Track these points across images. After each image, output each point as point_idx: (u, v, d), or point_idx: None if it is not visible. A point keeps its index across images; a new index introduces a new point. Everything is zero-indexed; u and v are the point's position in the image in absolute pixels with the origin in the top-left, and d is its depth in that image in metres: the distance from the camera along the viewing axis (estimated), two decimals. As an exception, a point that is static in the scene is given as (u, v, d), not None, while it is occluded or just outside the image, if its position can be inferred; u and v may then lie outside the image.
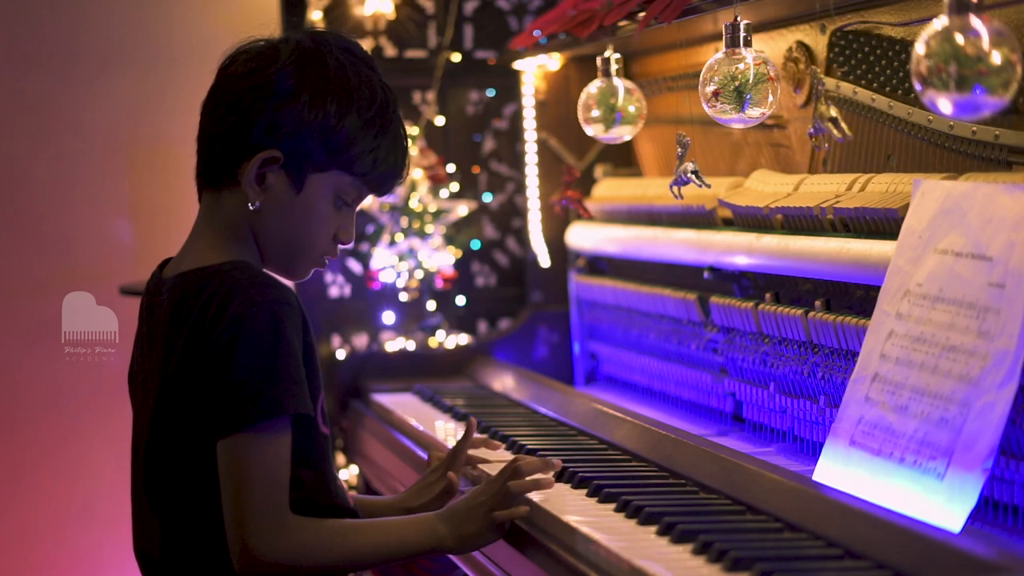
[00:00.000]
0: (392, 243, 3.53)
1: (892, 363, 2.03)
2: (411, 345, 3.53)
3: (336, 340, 3.57)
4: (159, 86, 3.90)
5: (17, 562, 3.88)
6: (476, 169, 3.69)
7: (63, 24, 3.85)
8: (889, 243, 2.16)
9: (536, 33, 3.26)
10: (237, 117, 2.00)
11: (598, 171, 3.51)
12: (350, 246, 2.27)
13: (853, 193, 2.37)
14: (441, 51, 3.63)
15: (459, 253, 3.61)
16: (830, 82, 2.46)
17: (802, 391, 2.48)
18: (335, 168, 2.04)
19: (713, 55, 2.34)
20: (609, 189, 3.40)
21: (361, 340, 3.58)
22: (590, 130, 2.82)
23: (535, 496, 2.11)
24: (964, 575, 1.60)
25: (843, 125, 2.39)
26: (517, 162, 3.68)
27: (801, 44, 2.59)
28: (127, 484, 2.12)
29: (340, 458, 3.40)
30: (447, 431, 2.82)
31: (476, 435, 2.34)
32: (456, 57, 3.64)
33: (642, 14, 2.70)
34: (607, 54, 2.80)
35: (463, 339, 3.57)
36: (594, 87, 2.80)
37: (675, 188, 2.56)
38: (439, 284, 3.58)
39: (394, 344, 3.54)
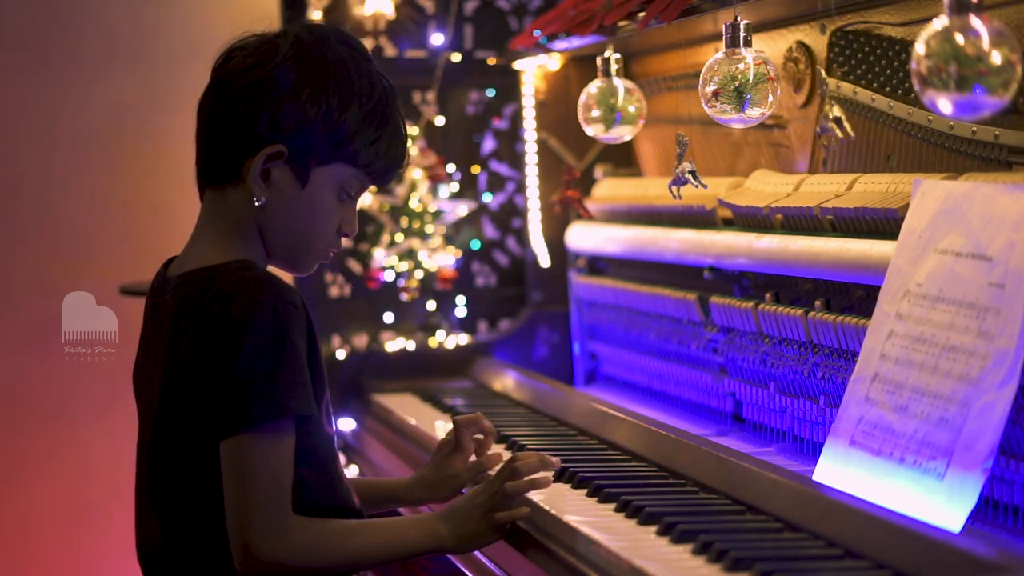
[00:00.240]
0: (392, 243, 3.53)
1: (892, 363, 2.03)
2: (411, 345, 3.53)
3: (336, 340, 3.57)
4: (159, 85, 3.90)
5: (17, 562, 3.88)
6: (476, 169, 3.69)
7: (62, 23, 3.85)
8: (889, 243, 2.16)
9: (536, 33, 3.26)
10: (238, 114, 2.00)
11: (598, 171, 3.51)
12: (351, 238, 2.27)
13: (853, 193, 2.37)
14: (441, 51, 3.63)
15: (459, 253, 3.61)
16: (830, 82, 2.46)
17: (802, 391, 2.48)
18: (338, 161, 2.04)
19: (713, 55, 2.34)
20: (609, 189, 3.40)
21: (361, 340, 3.58)
22: (590, 130, 2.82)
23: (535, 496, 2.11)
24: (964, 575, 1.60)
25: (846, 125, 2.39)
26: (517, 162, 3.68)
27: (801, 44, 2.59)
28: (127, 484, 2.12)
29: (340, 458, 3.39)
30: (447, 431, 2.81)
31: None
32: (456, 57, 3.64)
33: (642, 14, 2.70)
34: (607, 54, 2.80)
35: (463, 339, 3.57)
36: (594, 87, 2.80)
37: (674, 188, 2.56)
38: (439, 284, 3.58)
39: (394, 344, 3.54)
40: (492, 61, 3.65)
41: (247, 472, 1.91)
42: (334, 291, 3.62)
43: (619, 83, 2.78)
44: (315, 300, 3.53)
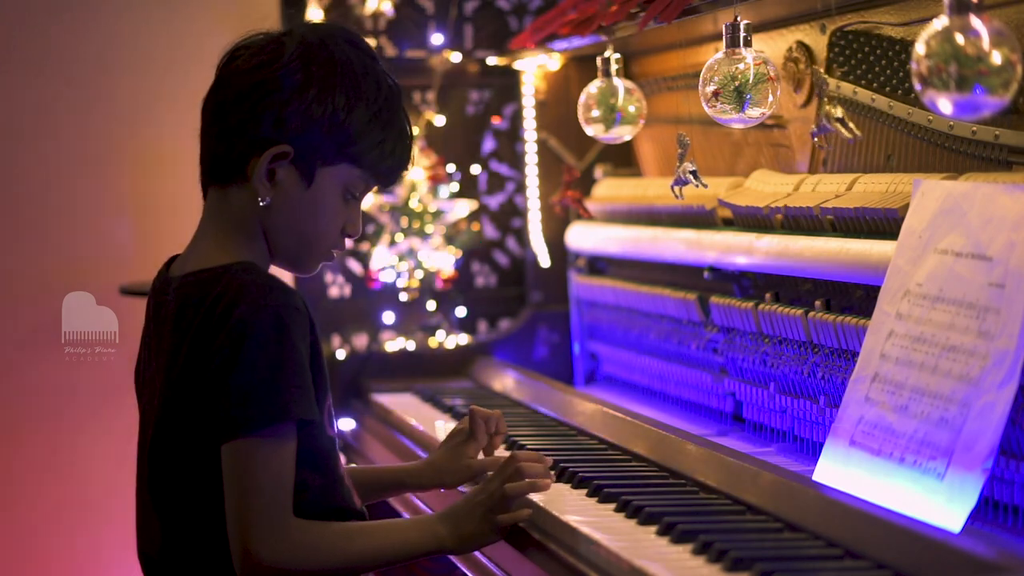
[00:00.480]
0: (392, 243, 3.53)
1: (892, 363, 2.03)
2: (411, 345, 3.53)
3: (336, 340, 3.57)
4: (160, 85, 3.90)
5: (17, 562, 3.88)
6: (476, 169, 3.69)
7: (63, 25, 3.85)
8: (889, 243, 2.16)
9: (536, 33, 3.26)
10: (244, 113, 1.99)
11: (598, 171, 3.51)
12: (355, 239, 2.27)
13: (853, 193, 2.37)
14: (441, 51, 3.63)
15: (459, 253, 3.61)
16: (830, 82, 2.46)
17: (802, 391, 2.48)
18: (344, 161, 2.03)
19: (713, 55, 2.34)
20: (609, 189, 3.40)
21: (361, 340, 3.58)
22: (590, 130, 2.82)
23: (535, 496, 2.11)
24: (964, 575, 1.60)
25: (851, 125, 2.39)
26: (517, 162, 3.68)
27: (801, 44, 2.59)
28: (127, 484, 2.12)
29: (340, 458, 3.39)
30: (447, 431, 2.81)
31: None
32: (456, 57, 3.64)
33: (642, 14, 2.70)
34: (607, 54, 2.80)
35: (463, 339, 3.57)
36: (594, 87, 2.80)
37: (676, 188, 2.56)
38: (439, 284, 3.58)
39: (394, 344, 3.54)
40: (492, 61, 3.65)
41: (248, 476, 1.90)
42: (334, 291, 3.62)
43: (619, 83, 2.78)
44: (315, 300, 3.53)
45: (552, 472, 2.24)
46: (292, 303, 1.94)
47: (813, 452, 2.39)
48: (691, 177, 2.53)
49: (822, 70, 2.50)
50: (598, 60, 2.80)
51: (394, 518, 2.12)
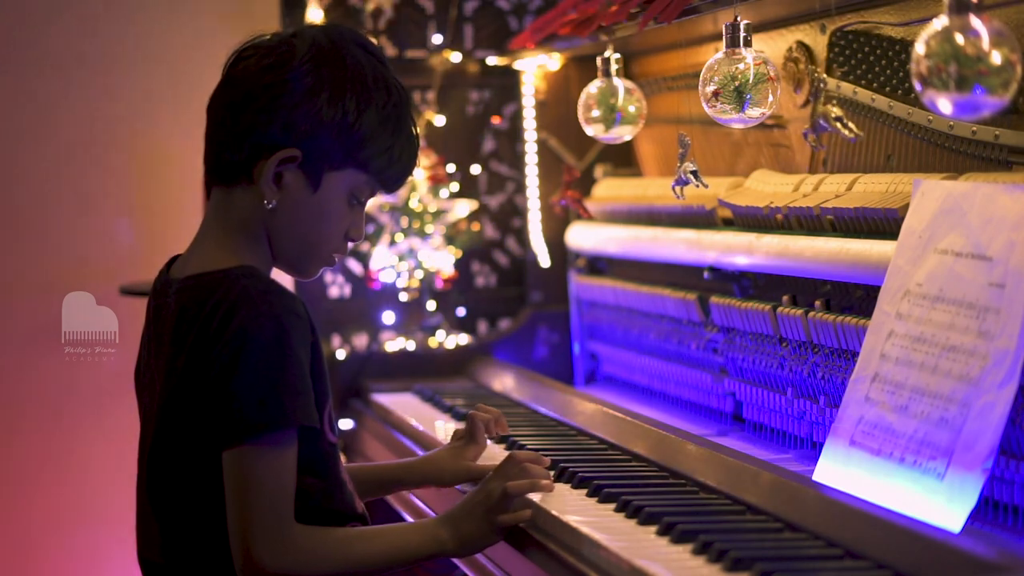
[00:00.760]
0: (392, 243, 3.53)
1: (892, 363, 2.03)
2: (411, 345, 3.53)
3: (336, 340, 3.57)
4: (160, 86, 3.90)
5: (17, 562, 3.88)
6: (476, 169, 3.69)
7: (65, 25, 3.85)
8: (889, 243, 2.16)
9: (536, 33, 3.26)
10: (253, 115, 1.98)
11: (598, 171, 3.51)
12: (358, 243, 2.27)
13: (853, 193, 2.37)
14: (441, 51, 3.63)
15: (459, 253, 3.61)
16: (830, 82, 2.46)
17: (802, 391, 2.48)
18: (351, 166, 2.02)
19: (713, 55, 2.34)
20: (609, 189, 3.40)
21: (361, 340, 3.58)
22: (590, 130, 2.82)
23: (535, 496, 2.11)
24: (964, 575, 1.60)
25: (851, 124, 2.39)
26: (517, 162, 3.68)
27: (801, 44, 2.59)
28: (127, 485, 2.12)
29: (341, 462, 3.39)
30: (447, 431, 2.82)
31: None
32: (456, 57, 3.64)
33: (642, 14, 2.70)
34: (607, 54, 2.80)
35: (463, 339, 3.57)
36: (594, 87, 2.80)
37: (677, 188, 2.56)
38: (439, 284, 3.58)
39: (394, 344, 3.54)
40: (492, 61, 3.65)
41: (249, 483, 1.90)
42: (334, 291, 3.62)
43: (619, 83, 2.78)
44: (315, 300, 3.53)
45: (552, 472, 2.24)
46: (293, 309, 1.93)
47: (813, 452, 2.39)
48: (692, 177, 2.53)
49: (822, 70, 2.50)
50: (598, 60, 2.80)
51: (395, 522, 2.12)
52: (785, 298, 2.53)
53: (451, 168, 3.64)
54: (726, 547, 1.79)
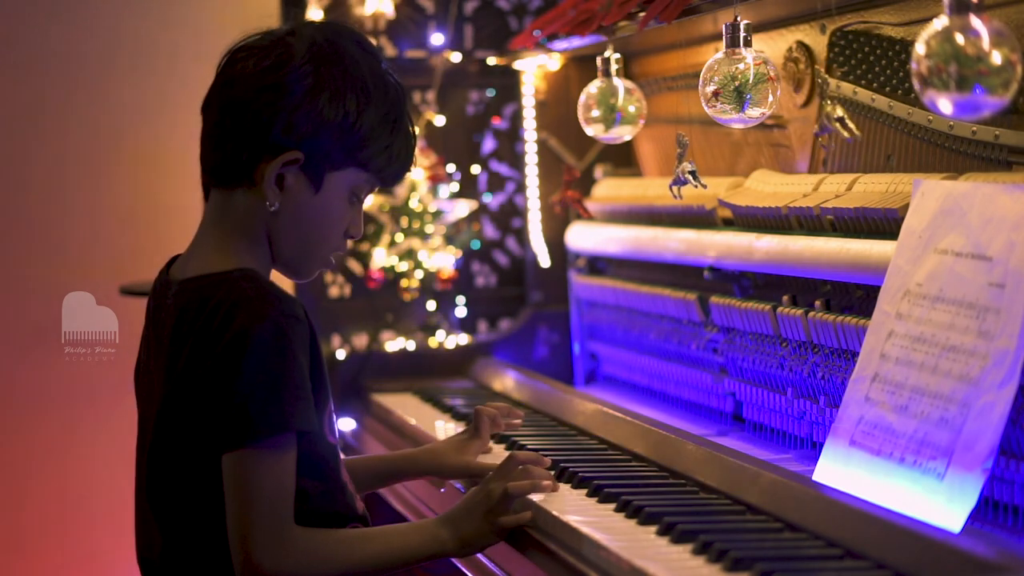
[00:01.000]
0: (392, 243, 3.53)
1: (892, 363, 2.03)
2: (411, 345, 3.53)
3: (336, 340, 3.57)
4: (160, 87, 3.90)
5: (16, 562, 3.88)
6: (476, 169, 3.69)
7: (63, 25, 3.85)
8: (889, 243, 2.16)
9: (536, 33, 3.26)
10: (253, 117, 1.97)
11: (598, 171, 3.51)
12: (356, 240, 2.27)
13: (853, 193, 2.37)
14: (441, 51, 3.63)
15: (459, 253, 3.61)
16: (830, 82, 2.46)
17: (802, 391, 2.48)
18: (352, 166, 2.02)
19: (713, 55, 2.34)
20: (609, 189, 3.40)
21: (361, 340, 3.58)
22: (590, 130, 2.82)
23: (535, 496, 2.11)
24: (964, 575, 1.60)
25: (850, 125, 2.39)
26: (517, 162, 3.68)
27: (801, 44, 2.59)
28: (127, 485, 2.12)
29: (342, 464, 3.39)
30: (447, 431, 2.82)
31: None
32: (456, 57, 3.64)
33: (642, 14, 2.70)
34: (607, 54, 2.80)
35: (463, 339, 3.57)
36: (594, 87, 2.80)
37: (674, 188, 2.56)
38: (439, 284, 3.58)
39: (394, 344, 3.54)
40: (492, 61, 3.65)
41: (249, 486, 1.90)
42: (334, 291, 3.61)
43: (619, 83, 2.78)
44: (315, 300, 3.53)
45: (552, 473, 2.24)
46: (292, 312, 1.93)
47: (813, 452, 2.39)
48: (690, 177, 2.53)
49: (822, 70, 2.50)
50: (598, 60, 2.80)
51: (395, 523, 2.12)
52: (785, 298, 2.53)
53: (451, 168, 3.64)
54: (726, 547, 1.79)
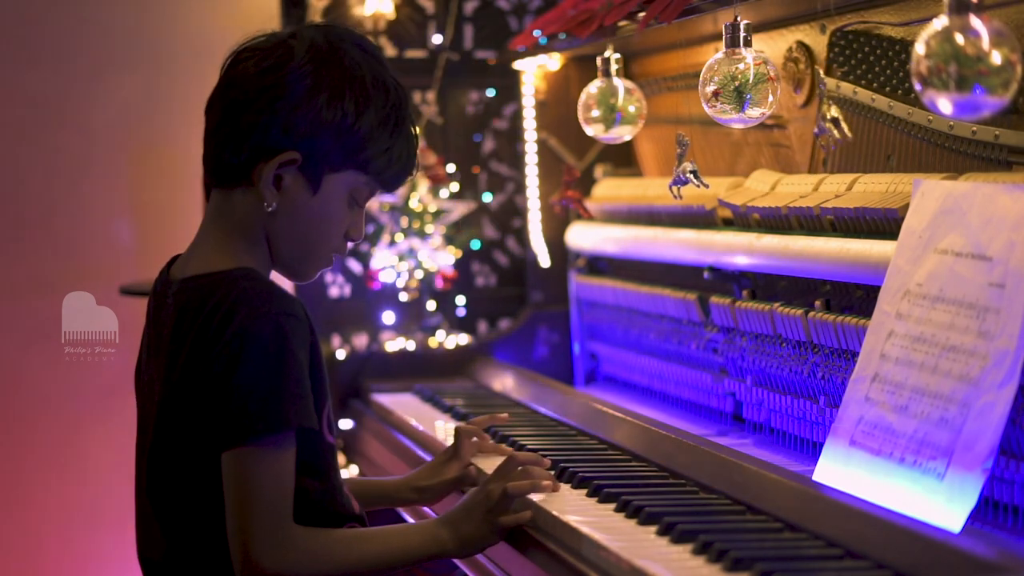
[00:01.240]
0: (392, 243, 3.53)
1: (892, 363, 2.03)
2: (411, 345, 3.53)
3: (336, 340, 3.57)
4: (160, 86, 3.91)
5: (17, 562, 3.88)
6: (476, 169, 3.69)
7: (64, 23, 3.85)
8: (889, 243, 2.16)
9: (536, 33, 3.26)
10: (252, 117, 1.97)
11: (598, 171, 3.51)
12: (357, 243, 2.27)
13: (853, 193, 2.37)
14: (441, 51, 3.63)
15: (459, 253, 3.61)
16: (830, 82, 2.46)
17: (802, 391, 2.48)
18: (351, 168, 2.02)
19: (713, 55, 2.34)
20: (609, 189, 3.40)
21: (361, 340, 3.58)
22: (590, 130, 2.82)
23: (535, 496, 2.12)
24: (964, 575, 1.60)
25: (844, 126, 2.39)
26: (517, 162, 3.68)
27: (801, 44, 2.59)
28: (128, 485, 2.12)
29: (340, 458, 3.39)
30: (447, 431, 2.82)
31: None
32: (456, 57, 3.64)
33: (642, 14, 2.70)
34: (607, 54, 2.80)
35: (463, 339, 3.57)
36: (594, 87, 2.80)
37: (674, 188, 2.56)
38: (439, 284, 3.58)
39: (394, 344, 3.54)
40: (492, 61, 3.65)
41: (248, 484, 1.90)
42: (334, 291, 3.62)
43: (619, 83, 2.78)
44: (315, 300, 3.53)
45: (551, 473, 2.24)
46: (292, 311, 1.93)
47: (813, 452, 2.39)
48: (691, 177, 2.53)
49: (822, 70, 2.50)
50: (598, 60, 2.80)
51: (395, 523, 2.12)
52: (785, 298, 2.53)
53: (451, 168, 3.64)
54: (726, 547, 1.79)
